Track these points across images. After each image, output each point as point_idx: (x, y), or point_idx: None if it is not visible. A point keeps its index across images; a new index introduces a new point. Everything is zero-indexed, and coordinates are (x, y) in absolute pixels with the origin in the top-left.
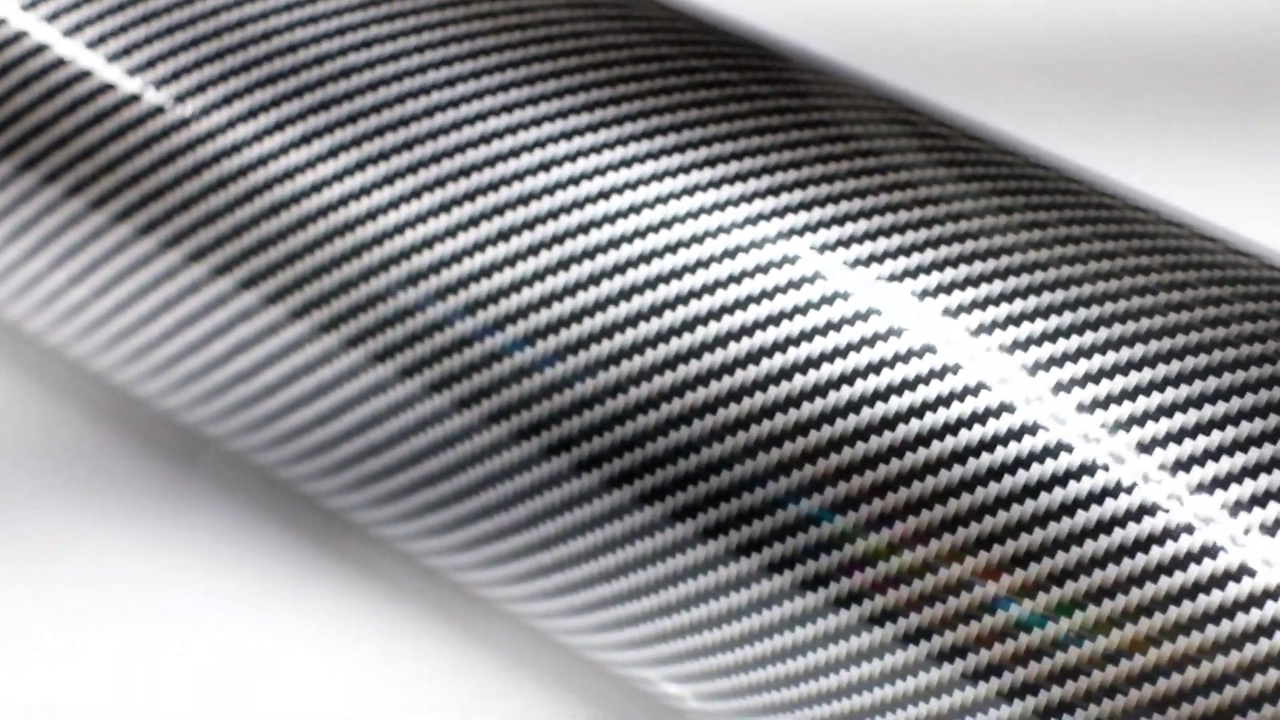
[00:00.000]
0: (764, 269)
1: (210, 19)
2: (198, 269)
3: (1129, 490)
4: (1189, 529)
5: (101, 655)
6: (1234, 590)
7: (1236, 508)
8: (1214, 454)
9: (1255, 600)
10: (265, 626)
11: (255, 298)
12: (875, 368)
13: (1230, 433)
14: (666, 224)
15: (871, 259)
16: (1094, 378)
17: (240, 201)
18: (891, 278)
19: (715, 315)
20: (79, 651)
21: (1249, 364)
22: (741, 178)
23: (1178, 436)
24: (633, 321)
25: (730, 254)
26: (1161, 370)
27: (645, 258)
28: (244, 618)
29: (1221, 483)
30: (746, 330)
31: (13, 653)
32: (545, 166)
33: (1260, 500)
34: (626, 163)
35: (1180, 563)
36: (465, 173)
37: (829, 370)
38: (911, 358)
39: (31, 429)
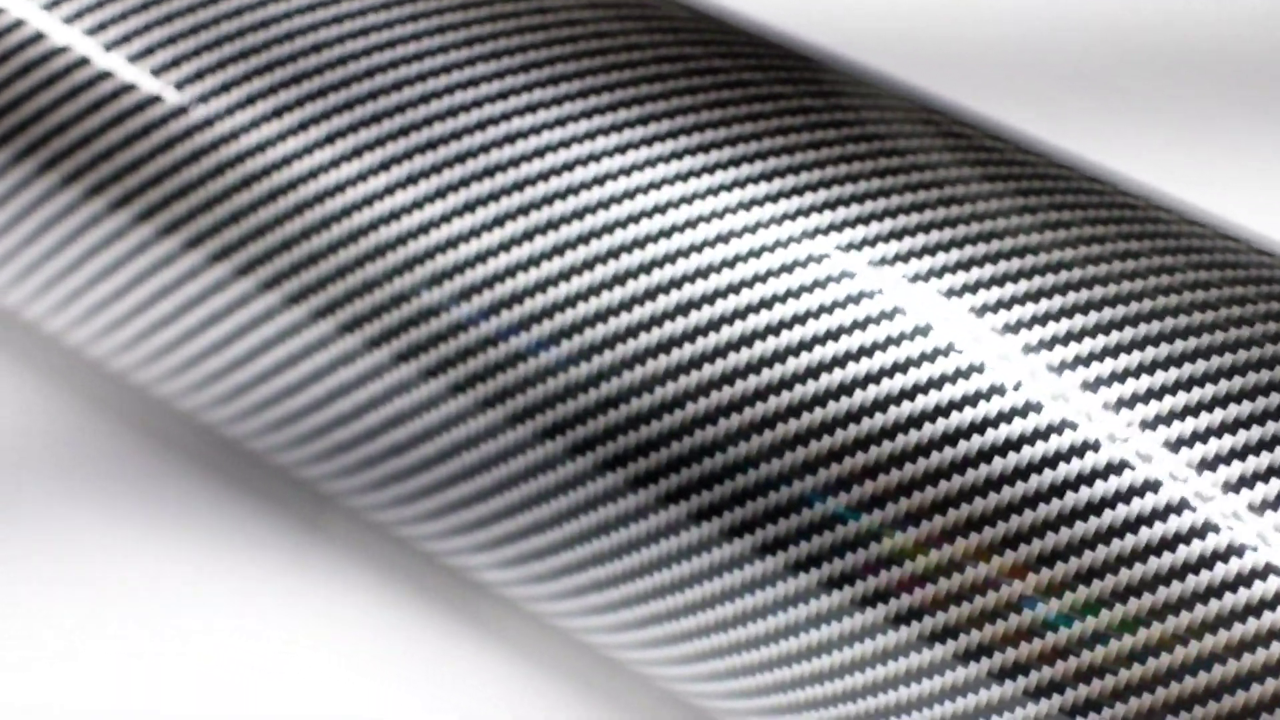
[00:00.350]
0: (788, 268)
1: (233, 19)
2: (232, 275)
3: (1156, 488)
4: (1216, 528)
5: (103, 656)
6: (1261, 588)
7: (1263, 506)
8: (1240, 452)
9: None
10: (271, 626)
11: (259, 287)
12: (901, 366)
13: (1257, 431)
14: (691, 224)
15: (896, 257)
16: (1119, 376)
17: (264, 204)
18: (916, 276)
19: (740, 314)
20: (79, 652)
21: (1275, 363)
22: (765, 177)
23: (1204, 435)
24: (658, 321)
25: (755, 253)
26: (1188, 369)
27: (669, 258)
28: (249, 618)
29: (1249, 481)
30: (772, 329)
31: (13, 653)
32: (569, 166)
33: None
34: (651, 162)
35: (1207, 561)
36: (489, 173)
37: (854, 369)
38: (937, 356)
39: (38, 428)
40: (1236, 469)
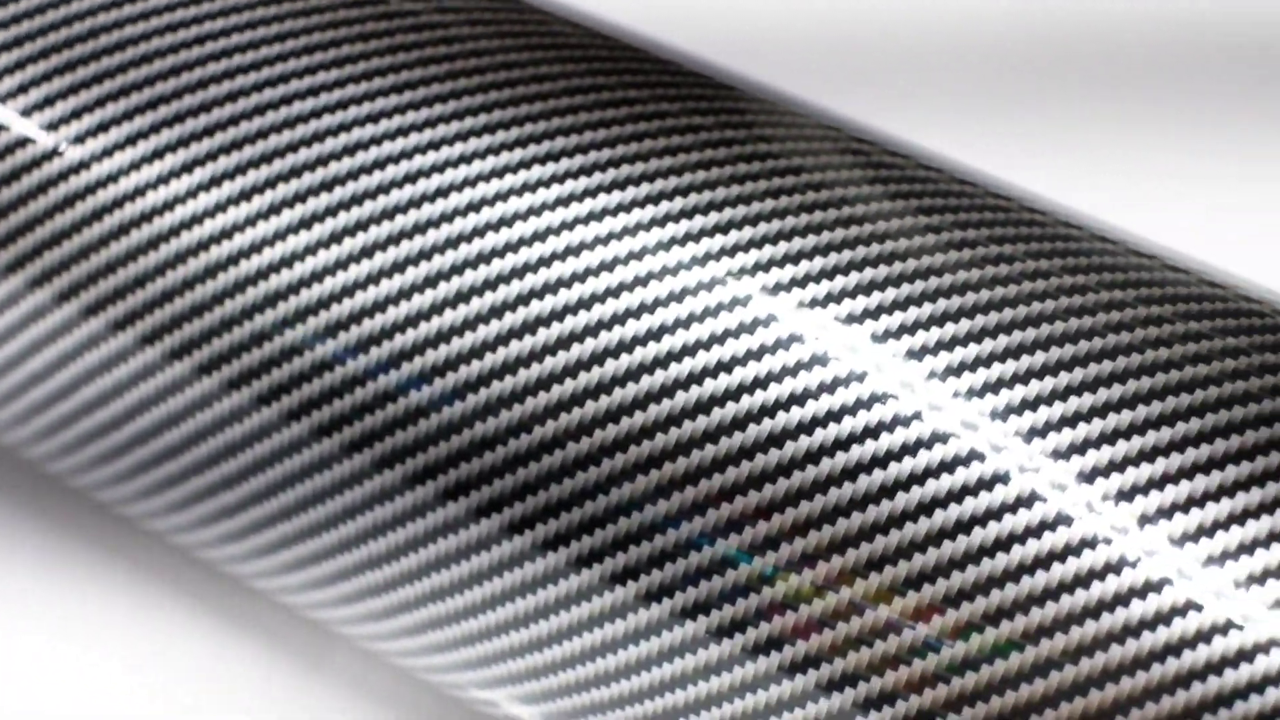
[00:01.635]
0: (655, 280)
1: (62, 29)
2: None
3: (1068, 521)
4: (1135, 563)
5: None
6: (1155, 601)
7: (1184, 538)
8: (1158, 483)
9: (1149, 604)
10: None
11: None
12: (800, 398)
13: (1177, 460)
14: (543, 235)
15: (793, 283)
16: (1032, 404)
17: (120, 239)
18: (814, 303)
19: (594, 331)
20: None
21: (1194, 387)
22: (650, 198)
23: (1120, 465)
24: (504, 340)
25: (624, 275)
26: (1104, 394)
27: (519, 271)
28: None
29: (1166, 512)
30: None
31: None
32: (413, 177)
33: (1208, 531)
34: (501, 171)
35: (1122, 596)
36: (328, 186)
37: (744, 397)
38: (838, 386)
39: None
40: (1155, 500)
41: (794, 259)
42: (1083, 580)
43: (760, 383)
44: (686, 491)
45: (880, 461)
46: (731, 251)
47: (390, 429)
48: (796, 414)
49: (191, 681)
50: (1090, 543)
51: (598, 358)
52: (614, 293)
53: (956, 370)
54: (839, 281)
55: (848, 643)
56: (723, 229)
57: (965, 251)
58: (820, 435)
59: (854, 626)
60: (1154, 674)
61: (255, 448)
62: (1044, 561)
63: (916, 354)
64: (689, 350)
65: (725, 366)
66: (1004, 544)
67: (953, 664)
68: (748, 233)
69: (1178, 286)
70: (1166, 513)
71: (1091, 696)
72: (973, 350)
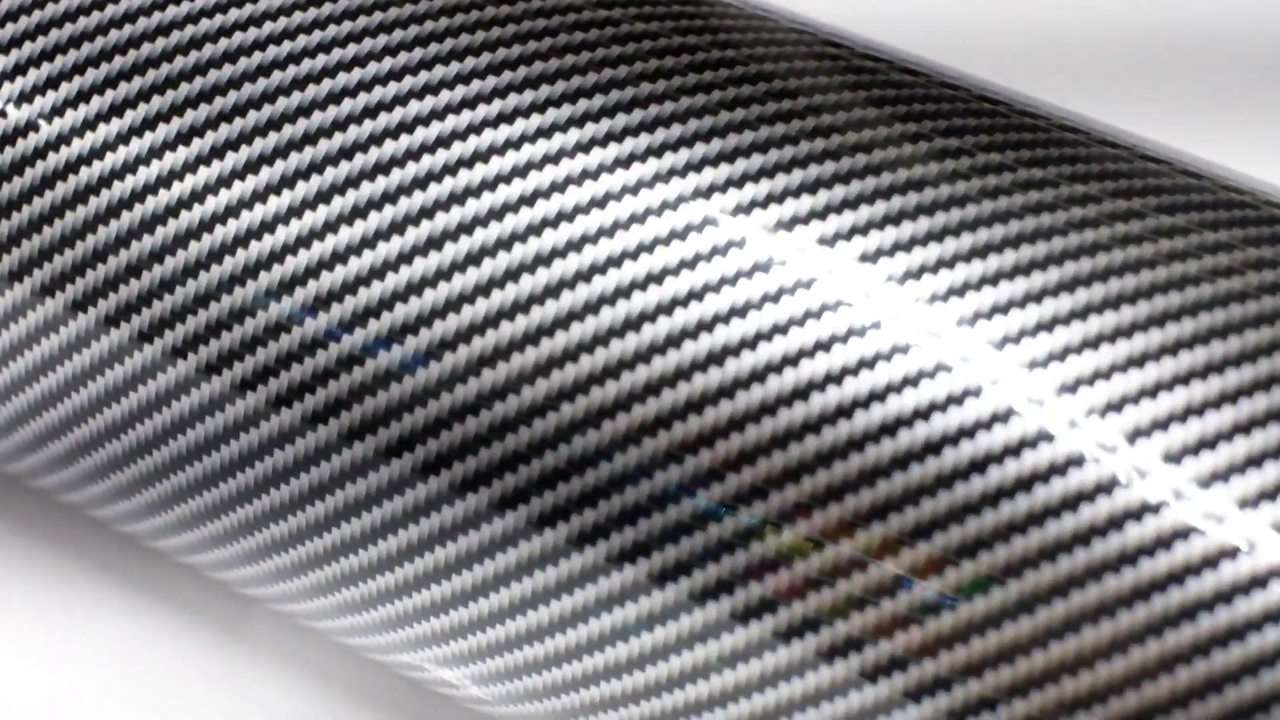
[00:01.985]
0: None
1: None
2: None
3: (1049, 439)
4: (1126, 483)
5: None
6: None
7: (1182, 453)
8: (1150, 391)
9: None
10: None
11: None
12: (741, 310)
13: (1170, 365)
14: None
15: (729, 183)
16: (1002, 308)
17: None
18: (753, 205)
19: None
20: None
21: (1184, 284)
22: (566, 97)
23: (1106, 373)
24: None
25: (599, 203)
26: (1083, 296)
27: (485, 217)
28: None
29: (1162, 424)
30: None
31: None
32: (393, 132)
33: (1210, 443)
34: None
35: (1116, 519)
36: (297, 145)
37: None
38: (783, 295)
39: None
40: (1179, 436)
41: (728, 158)
42: (1069, 503)
43: (696, 294)
44: (618, 419)
45: (835, 378)
46: (658, 152)
47: (286, 364)
48: (739, 328)
49: (95, 654)
50: (1075, 461)
51: (512, 273)
52: (528, 201)
53: (916, 273)
54: (780, 180)
55: (807, 583)
56: (648, 127)
57: (921, 144)
58: (766, 351)
59: (813, 563)
60: (1155, 606)
61: (141, 389)
62: (1025, 484)
63: (871, 257)
64: (614, 261)
65: (656, 278)
66: (979, 465)
67: (925, 604)
68: (676, 130)
69: (1160, 178)
70: (1161, 424)
71: (1085, 635)
72: (934, 251)
